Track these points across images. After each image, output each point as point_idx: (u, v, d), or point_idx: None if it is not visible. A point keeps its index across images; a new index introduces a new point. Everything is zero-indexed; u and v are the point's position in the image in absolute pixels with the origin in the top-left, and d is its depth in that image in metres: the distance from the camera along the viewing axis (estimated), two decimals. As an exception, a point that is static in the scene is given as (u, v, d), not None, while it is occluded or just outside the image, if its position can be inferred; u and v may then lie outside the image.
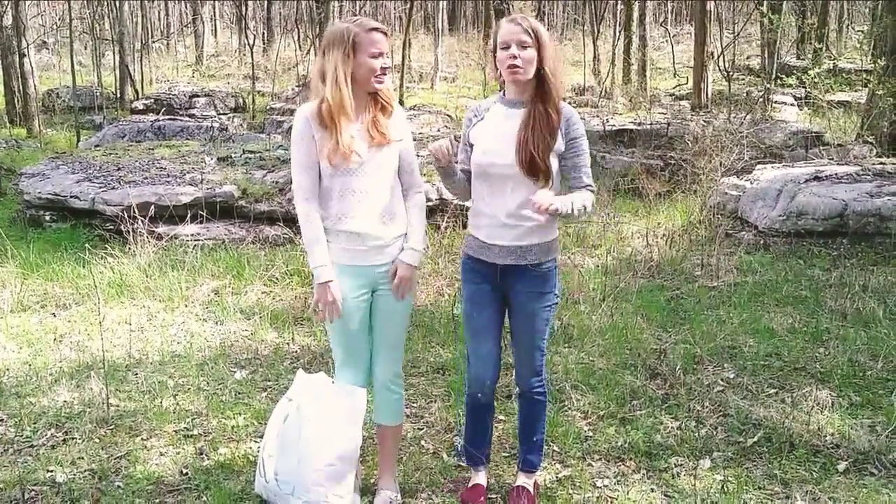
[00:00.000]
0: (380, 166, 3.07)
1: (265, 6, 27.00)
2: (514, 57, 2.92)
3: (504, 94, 3.12)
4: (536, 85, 2.98)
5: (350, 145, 2.97)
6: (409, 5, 20.38)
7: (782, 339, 5.02)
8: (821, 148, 10.01)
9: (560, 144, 3.01)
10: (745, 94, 13.43)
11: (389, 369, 3.28)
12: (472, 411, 3.37)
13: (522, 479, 3.38)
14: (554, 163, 2.99)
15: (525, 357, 3.21)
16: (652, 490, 3.47)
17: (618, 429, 3.98)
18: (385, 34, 3.02)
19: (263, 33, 25.63)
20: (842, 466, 3.59)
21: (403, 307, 3.23)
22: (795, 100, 14.42)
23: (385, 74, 3.03)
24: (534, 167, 2.92)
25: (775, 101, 13.87)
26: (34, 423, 4.06)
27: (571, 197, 2.99)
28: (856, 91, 15.04)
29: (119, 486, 3.49)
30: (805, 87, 13.66)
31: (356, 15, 27.30)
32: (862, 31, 14.13)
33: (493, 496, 3.42)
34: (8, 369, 4.74)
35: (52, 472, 3.60)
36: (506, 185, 3.01)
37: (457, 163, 3.18)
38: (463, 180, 3.17)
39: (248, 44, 17.66)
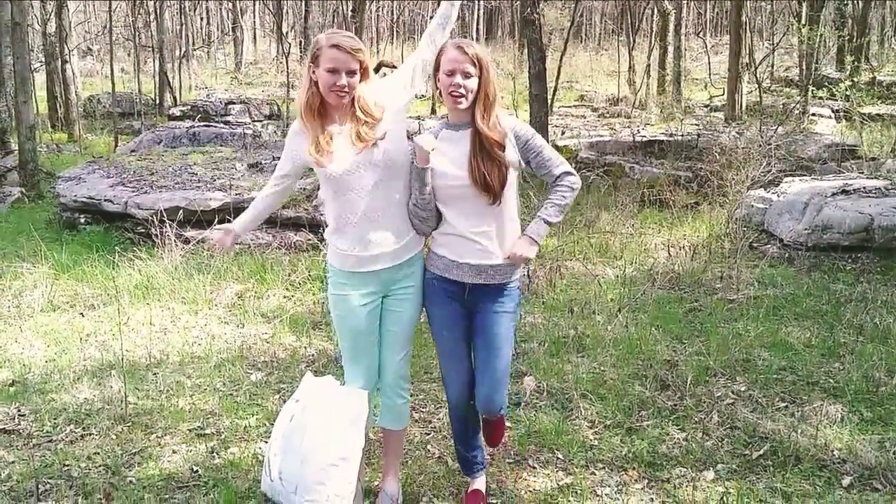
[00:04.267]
0: (375, 164, 3.05)
1: (303, 15, 27.33)
2: (458, 86, 2.98)
3: (448, 119, 3.17)
4: (477, 106, 3.04)
5: (327, 144, 3.01)
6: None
7: (798, 353, 4.98)
8: (853, 161, 9.87)
9: (514, 155, 3.07)
10: (780, 106, 13.28)
11: (396, 373, 3.32)
12: (458, 424, 3.39)
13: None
14: (511, 175, 3.07)
15: (492, 381, 3.14)
16: (652, 500, 3.48)
17: (623, 438, 3.99)
18: (348, 52, 2.94)
19: (300, 41, 25.93)
20: (846, 481, 3.56)
21: (411, 312, 3.25)
22: (833, 112, 14.21)
23: (341, 91, 2.97)
24: (487, 186, 3.00)
25: (812, 114, 13.69)
26: (54, 419, 4.20)
27: (545, 214, 3.09)
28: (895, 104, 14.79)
29: (131, 482, 3.60)
30: (837, 100, 13.48)
31: (395, 24, 27.29)
32: (904, 43, 13.95)
33: (494, 501, 3.47)
34: (34, 366, 4.90)
35: (67, 466, 3.72)
36: (464, 204, 3.07)
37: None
38: (433, 198, 3.11)
39: (284, 52, 17.89)
